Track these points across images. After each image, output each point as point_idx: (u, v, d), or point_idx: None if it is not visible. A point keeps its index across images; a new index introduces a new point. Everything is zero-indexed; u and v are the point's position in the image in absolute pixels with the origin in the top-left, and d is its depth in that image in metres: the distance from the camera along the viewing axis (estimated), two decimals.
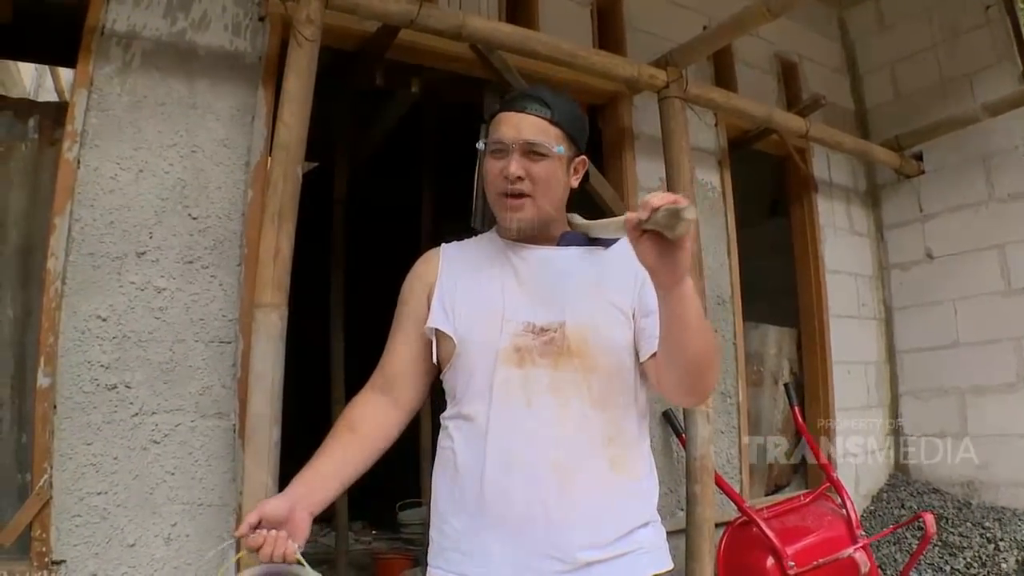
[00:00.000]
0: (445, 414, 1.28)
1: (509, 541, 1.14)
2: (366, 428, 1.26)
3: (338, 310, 4.32)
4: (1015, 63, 3.53)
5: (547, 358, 1.18)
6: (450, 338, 1.24)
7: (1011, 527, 3.07)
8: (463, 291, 1.27)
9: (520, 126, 1.22)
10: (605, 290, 1.23)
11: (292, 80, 1.95)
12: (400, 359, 1.30)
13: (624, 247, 1.18)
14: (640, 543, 1.18)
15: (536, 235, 1.29)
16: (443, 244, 1.39)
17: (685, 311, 1.06)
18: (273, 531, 1.08)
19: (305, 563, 1.08)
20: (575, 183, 1.30)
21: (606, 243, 1.28)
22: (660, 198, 0.97)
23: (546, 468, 1.14)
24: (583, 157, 1.31)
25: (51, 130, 2.10)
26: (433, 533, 1.26)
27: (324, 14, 2.04)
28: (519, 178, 1.21)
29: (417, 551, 3.48)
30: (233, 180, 2.14)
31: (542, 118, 1.23)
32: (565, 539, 1.13)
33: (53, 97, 4.73)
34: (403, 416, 1.31)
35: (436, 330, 1.26)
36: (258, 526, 1.08)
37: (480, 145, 1.28)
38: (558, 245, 1.30)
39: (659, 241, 0.99)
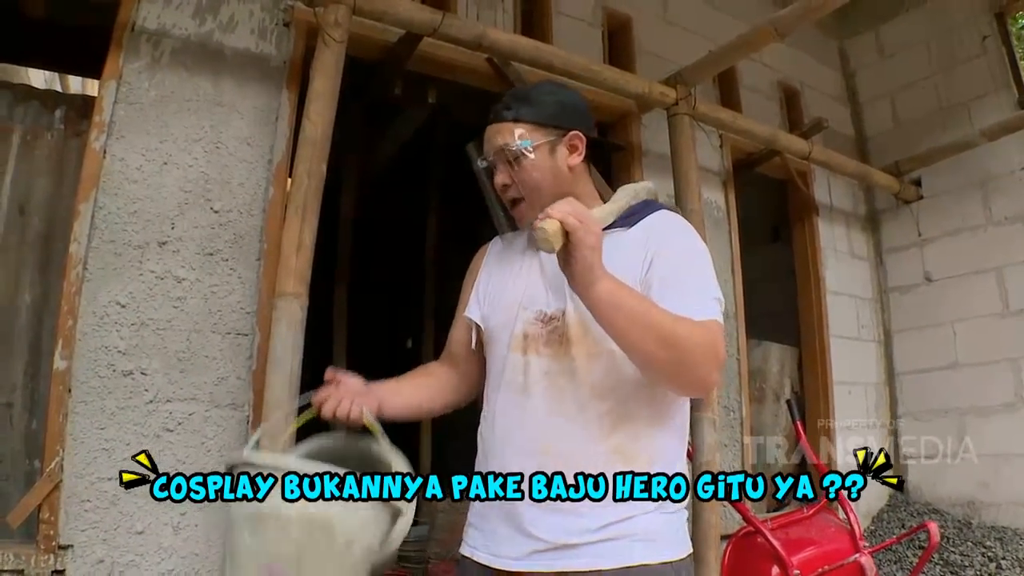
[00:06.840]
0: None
1: (508, 521, 1.16)
2: (441, 375, 1.40)
3: (341, 327, 4.33)
4: (1011, 91, 3.64)
5: (550, 347, 1.19)
6: (480, 325, 1.32)
7: (1012, 546, 3.07)
8: (495, 282, 1.34)
9: (491, 138, 1.27)
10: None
11: (319, 79, 2.01)
12: (457, 342, 1.41)
13: (644, 227, 1.23)
14: (634, 530, 1.12)
15: None
16: (497, 236, 1.46)
17: (603, 319, 1.07)
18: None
19: (377, 429, 1.04)
20: (575, 161, 1.27)
21: (624, 224, 1.25)
22: (546, 211, 1.04)
23: (536, 453, 1.15)
24: (575, 132, 1.26)
25: (76, 122, 2.15)
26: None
27: (351, 20, 2.10)
28: (505, 186, 1.27)
29: (414, 568, 3.43)
30: (255, 177, 2.18)
31: (504, 121, 1.26)
32: (551, 521, 1.13)
33: None
34: (467, 387, 1.40)
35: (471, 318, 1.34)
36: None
37: (481, 164, 1.31)
38: None
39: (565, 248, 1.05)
